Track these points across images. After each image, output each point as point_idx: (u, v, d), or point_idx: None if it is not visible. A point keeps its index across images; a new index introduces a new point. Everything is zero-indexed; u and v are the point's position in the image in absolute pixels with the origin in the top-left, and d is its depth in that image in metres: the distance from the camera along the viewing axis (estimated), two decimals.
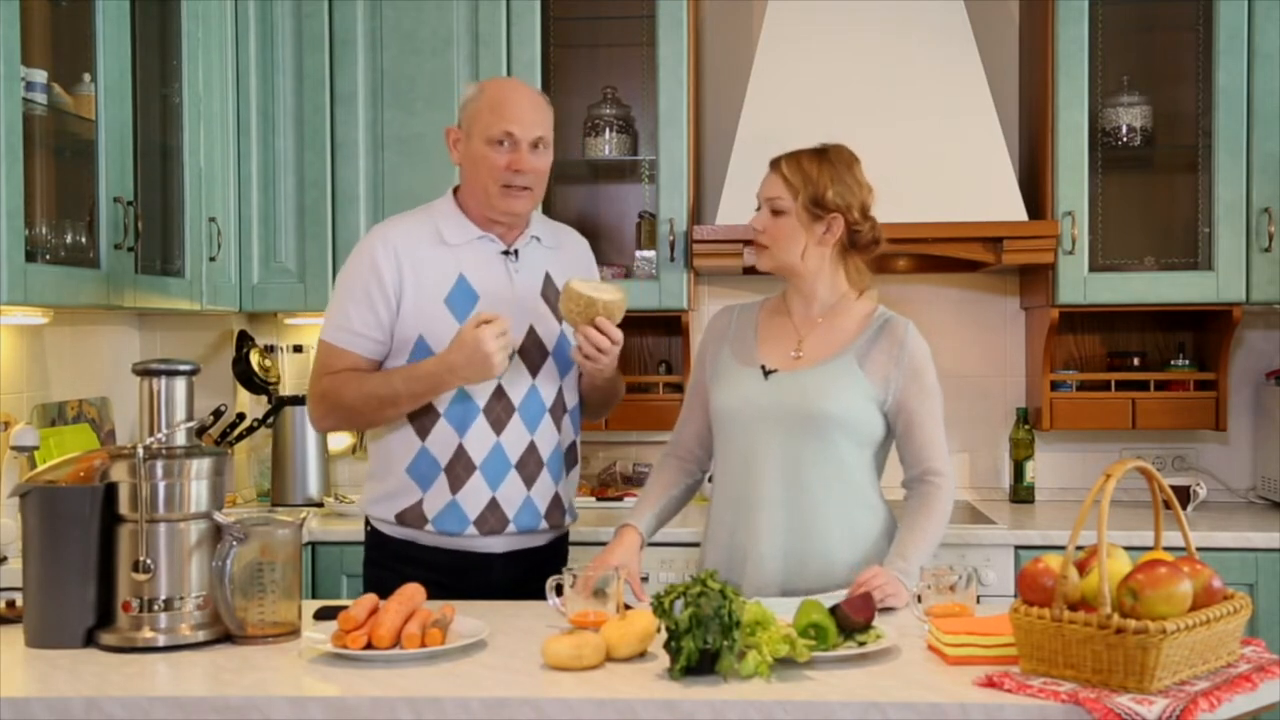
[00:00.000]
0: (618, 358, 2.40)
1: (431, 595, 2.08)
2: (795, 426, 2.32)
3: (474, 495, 2.41)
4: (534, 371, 2.45)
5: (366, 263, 2.41)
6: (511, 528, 2.44)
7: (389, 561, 2.47)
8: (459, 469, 2.40)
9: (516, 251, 2.48)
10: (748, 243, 3.31)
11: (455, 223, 2.46)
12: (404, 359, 2.41)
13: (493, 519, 2.42)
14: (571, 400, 2.54)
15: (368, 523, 2.55)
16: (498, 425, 2.41)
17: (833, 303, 2.41)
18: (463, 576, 2.38)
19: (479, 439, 2.40)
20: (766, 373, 2.37)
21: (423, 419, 2.41)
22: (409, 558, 2.43)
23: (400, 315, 2.40)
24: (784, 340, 2.42)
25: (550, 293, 2.49)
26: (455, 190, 2.52)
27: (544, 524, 2.48)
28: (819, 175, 2.34)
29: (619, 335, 2.34)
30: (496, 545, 2.45)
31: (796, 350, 2.39)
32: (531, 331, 2.45)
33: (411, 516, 2.43)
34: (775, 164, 2.41)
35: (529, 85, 2.51)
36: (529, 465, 2.44)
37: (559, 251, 2.56)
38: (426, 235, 2.44)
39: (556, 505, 2.51)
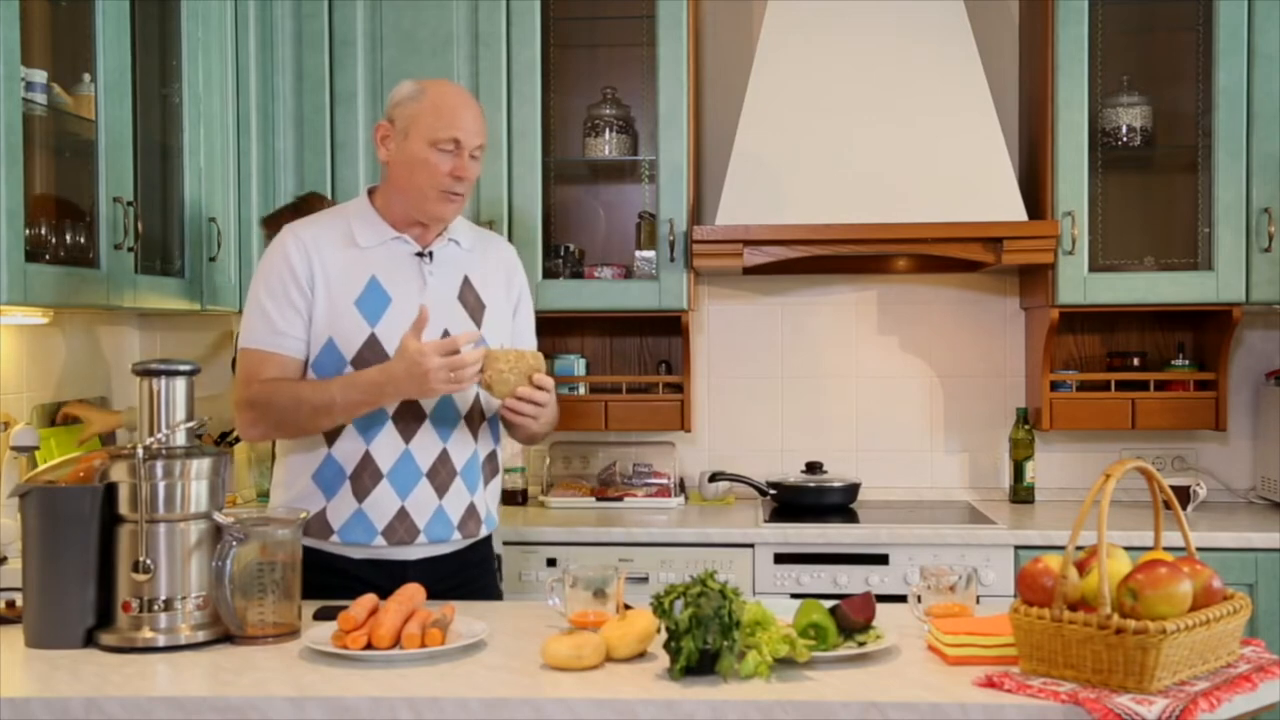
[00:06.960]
0: (555, 409, 2.41)
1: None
2: None
3: (381, 504, 2.33)
4: None
5: (280, 262, 2.34)
6: (422, 538, 2.36)
7: (304, 571, 2.35)
8: (365, 477, 2.33)
9: (431, 254, 2.41)
10: (748, 242, 3.33)
11: (369, 224, 2.39)
12: (312, 359, 2.34)
13: (402, 529, 2.34)
14: (491, 409, 2.44)
15: None
16: (407, 433, 2.34)
17: None
18: (375, 585, 2.25)
19: (386, 446, 2.33)
20: None
21: None
22: (321, 565, 2.31)
23: (313, 314, 2.34)
24: None
25: (469, 296, 2.43)
26: (370, 191, 2.46)
27: (457, 534, 2.40)
28: None
29: (550, 382, 2.31)
30: (409, 554, 2.37)
31: None
32: (446, 335, 2.33)
33: (316, 526, 2.34)
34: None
35: (466, 89, 2.47)
36: (441, 474, 2.37)
37: (478, 255, 2.49)
38: (338, 236, 2.38)
39: (471, 515, 2.42)
